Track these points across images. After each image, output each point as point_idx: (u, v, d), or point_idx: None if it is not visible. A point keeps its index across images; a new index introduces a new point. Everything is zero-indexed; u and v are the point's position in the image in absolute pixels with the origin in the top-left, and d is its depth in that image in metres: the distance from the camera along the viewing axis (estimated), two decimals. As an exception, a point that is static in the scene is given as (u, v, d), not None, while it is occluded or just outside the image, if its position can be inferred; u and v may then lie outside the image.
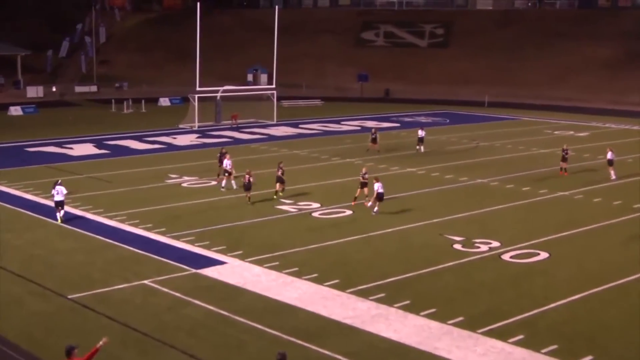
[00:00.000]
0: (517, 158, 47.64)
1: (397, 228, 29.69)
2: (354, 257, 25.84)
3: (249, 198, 33.61)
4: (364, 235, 28.49)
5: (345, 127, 63.36)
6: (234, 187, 36.32)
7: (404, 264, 24.92)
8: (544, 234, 28.76)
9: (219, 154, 39.22)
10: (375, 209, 31.53)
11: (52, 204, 30.36)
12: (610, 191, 36.95)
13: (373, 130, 50.21)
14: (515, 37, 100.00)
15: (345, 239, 27.99)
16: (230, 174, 36.40)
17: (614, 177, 39.90)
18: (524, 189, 37.56)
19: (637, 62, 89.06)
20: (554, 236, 28.66)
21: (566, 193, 36.22)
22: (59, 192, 29.75)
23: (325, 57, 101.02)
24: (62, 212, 29.94)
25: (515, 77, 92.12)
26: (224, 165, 36.72)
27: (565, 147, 42.07)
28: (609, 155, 40.92)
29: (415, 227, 30.01)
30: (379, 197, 31.60)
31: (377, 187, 31.56)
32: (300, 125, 63.51)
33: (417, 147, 48.89)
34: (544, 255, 26.18)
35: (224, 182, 36.70)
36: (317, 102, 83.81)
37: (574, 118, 70.81)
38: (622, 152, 48.73)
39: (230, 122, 62.72)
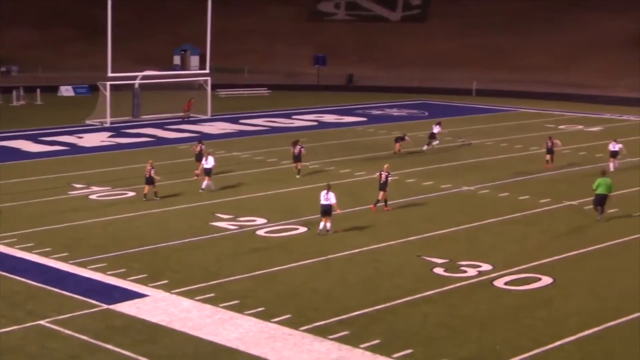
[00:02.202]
0: (513, 160, 48.13)
1: (364, 249, 29.69)
2: (310, 286, 25.77)
3: (156, 193, 36.11)
4: (323, 259, 28.44)
5: (298, 122, 63.34)
6: (213, 188, 38.02)
7: (373, 294, 24.91)
8: (546, 255, 29.03)
9: (198, 148, 42.40)
10: (328, 225, 31.46)
11: None
12: (629, 201, 37.48)
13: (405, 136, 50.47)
14: (513, 8, 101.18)
15: (299, 263, 27.90)
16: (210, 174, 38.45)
17: (612, 169, 42.93)
18: (520, 198, 37.93)
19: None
20: (559, 257, 28.93)
21: (574, 203, 36.70)
22: None
23: (273, 35, 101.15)
24: None
25: (512, 59, 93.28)
26: (206, 162, 38.49)
27: (550, 138, 45.72)
28: (612, 146, 44.61)
29: (387, 246, 30.06)
30: (324, 211, 31.40)
31: (323, 196, 31.35)
32: (241, 121, 63.36)
33: (428, 145, 50.46)
34: (547, 280, 26.41)
35: (204, 184, 38.20)
36: (263, 91, 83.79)
37: (585, 109, 71.94)
38: (638, 151, 49.58)
39: (183, 114, 62.89)
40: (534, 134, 56.81)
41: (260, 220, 33.31)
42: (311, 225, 32.45)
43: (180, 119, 63.24)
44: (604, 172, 34.97)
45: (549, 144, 45.71)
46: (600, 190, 33.50)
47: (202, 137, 51.91)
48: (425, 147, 50.44)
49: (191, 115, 63.86)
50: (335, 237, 31.03)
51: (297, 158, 42.65)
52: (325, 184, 32.71)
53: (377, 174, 35.93)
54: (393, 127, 61.12)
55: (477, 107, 73.73)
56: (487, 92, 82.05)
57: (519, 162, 47.09)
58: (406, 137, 50.01)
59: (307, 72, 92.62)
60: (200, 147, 42.78)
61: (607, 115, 68.33)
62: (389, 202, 35.56)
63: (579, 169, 43.59)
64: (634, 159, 47.50)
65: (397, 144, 49.70)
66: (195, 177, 40.51)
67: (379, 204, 35.24)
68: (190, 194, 37.73)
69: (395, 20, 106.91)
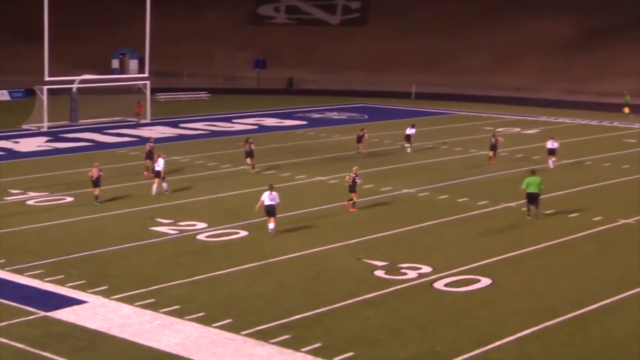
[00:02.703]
0: (453, 162, 48.57)
1: (305, 252, 29.71)
2: (251, 290, 25.71)
3: (97, 197, 36.25)
4: (264, 262, 28.40)
5: (238, 126, 63.21)
6: (166, 190, 38.36)
7: (314, 298, 24.94)
8: (485, 256, 29.33)
9: (147, 147, 42.54)
10: (272, 226, 31.53)
11: None
12: (565, 202, 38.05)
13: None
14: (451, 11, 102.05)
15: (240, 268, 27.82)
16: (163, 176, 38.46)
17: (551, 166, 45.75)
18: (459, 200, 38.27)
19: (598, 42, 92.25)
20: (497, 258, 29.27)
21: (512, 204, 37.14)
22: None
23: (212, 38, 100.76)
24: None
25: (451, 62, 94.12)
26: (156, 164, 38.55)
27: (494, 136, 48.57)
28: (550, 144, 46.77)
29: (328, 250, 30.12)
30: (268, 211, 31.61)
31: (267, 197, 31.53)
32: (181, 125, 63.03)
33: (405, 145, 51.71)
34: (486, 281, 26.68)
35: (154, 188, 38.06)
36: (203, 95, 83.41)
37: (521, 112, 72.82)
38: (577, 153, 50.44)
39: (135, 117, 62.45)
40: (472, 137, 57.40)
41: (201, 225, 33.14)
42: (252, 229, 32.38)
43: (135, 122, 62.88)
44: (533, 171, 35.54)
45: (493, 141, 47.69)
46: (530, 189, 34.29)
47: (138, 141, 51.52)
48: (409, 150, 51.40)
49: (140, 120, 63.36)
50: (276, 241, 30.99)
51: (249, 154, 43.89)
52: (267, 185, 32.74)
53: (347, 176, 36.46)
54: (334, 130, 61.30)
55: (416, 110, 74.24)
56: (426, 95, 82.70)
57: (458, 165, 47.51)
58: (365, 136, 50.87)
59: (247, 76, 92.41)
60: (150, 146, 42.95)
61: (544, 118, 69.32)
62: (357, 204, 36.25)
63: (516, 171, 44.11)
64: (570, 160, 48.29)
65: (360, 144, 50.51)
66: (146, 176, 40.93)
67: (350, 203, 35.97)
68: (130, 199, 37.42)
69: (335, 23, 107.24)
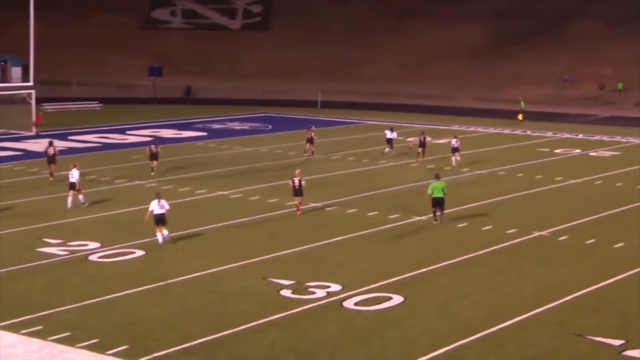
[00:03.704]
0: (361, 174, 48.93)
1: (206, 272, 29.51)
2: (149, 313, 25.42)
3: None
4: (162, 284, 28.12)
5: (132, 138, 62.60)
6: (83, 203, 38.77)
7: (216, 320, 24.79)
8: (397, 272, 29.57)
9: (51, 150, 44.50)
10: (166, 232, 31.97)
11: None
12: (479, 215, 38.69)
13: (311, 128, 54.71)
14: (356, 17, 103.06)
15: (136, 290, 27.51)
16: (79, 188, 38.79)
17: (454, 163, 50.64)
18: (369, 214, 38.57)
19: (510, 46, 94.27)
20: (410, 274, 29.54)
21: (423, 218, 37.58)
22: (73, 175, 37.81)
23: (103, 44, 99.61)
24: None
25: (357, 70, 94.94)
26: (70, 176, 38.61)
27: (422, 133, 53.27)
28: (454, 142, 51.14)
29: (231, 269, 29.99)
30: (158, 220, 32.31)
31: (156, 205, 32.30)
32: (71, 137, 62.15)
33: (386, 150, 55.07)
34: (397, 299, 26.89)
35: (69, 201, 38.33)
36: (94, 104, 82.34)
37: (431, 120, 73.86)
38: (490, 163, 51.44)
39: (34, 129, 61.55)
40: (380, 148, 57.86)
41: (93, 244, 32.65)
42: (149, 248, 32.05)
43: (35, 134, 61.94)
44: (437, 176, 37.20)
45: (422, 138, 52.30)
46: (435, 194, 36.05)
47: (24, 155, 50.66)
48: (391, 151, 54.96)
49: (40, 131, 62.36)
50: (175, 260, 30.73)
51: (153, 156, 45.94)
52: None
53: (290, 181, 38.03)
54: (235, 141, 61.18)
55: (322, 119, 74.62)
56: (333, 104, 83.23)
57: (366, 177, 47.88)
58: (312, 133, 53.83)
59: (141, 84, 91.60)
60: (52, 148, 44.56)
61: (455, 127, 70.36)
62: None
63: (426, 183, 44.57)
64: (483, 171, 49.18)
65: (308, 144, 53.79)
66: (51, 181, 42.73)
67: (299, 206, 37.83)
68: (13, 217, 36.62)
69: (236, 28, 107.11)
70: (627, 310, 25.84)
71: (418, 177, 47.08)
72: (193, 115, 75.95)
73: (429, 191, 36.17)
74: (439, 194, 35.96)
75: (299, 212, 37.94)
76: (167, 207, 32.36)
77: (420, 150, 52.25)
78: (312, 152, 54.45)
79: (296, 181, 37.59)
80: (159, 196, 32.48)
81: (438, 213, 36.38)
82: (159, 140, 50.61)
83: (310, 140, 54.32)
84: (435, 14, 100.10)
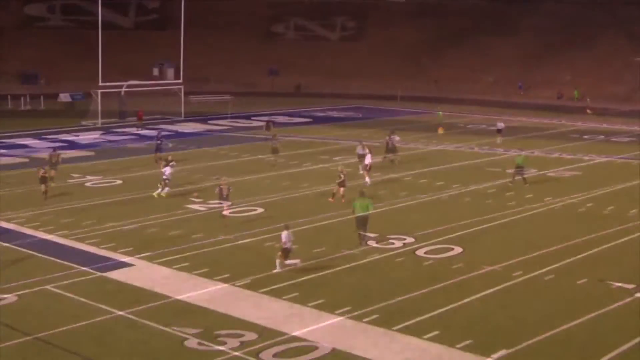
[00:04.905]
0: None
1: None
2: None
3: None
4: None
5: (255, 122, 62.81)
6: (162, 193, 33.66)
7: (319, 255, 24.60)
8: (455, 225, 29.17)
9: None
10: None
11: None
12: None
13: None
14: (430, 31, 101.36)
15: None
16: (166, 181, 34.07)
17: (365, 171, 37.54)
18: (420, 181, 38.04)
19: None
20: (466, 231, 29.12)
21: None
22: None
23: (235, 51, 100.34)
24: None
25: (428, 72, 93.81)
26: (164, 171, 34.23)
27: (390, 134, 42.47)
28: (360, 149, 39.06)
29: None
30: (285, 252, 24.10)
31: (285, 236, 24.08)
32: (210, 122, 62.99)
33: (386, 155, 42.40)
34: (458, 249, 26.66)
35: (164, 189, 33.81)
36: (227, 97, 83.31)
37: (489, 112, 72.39)
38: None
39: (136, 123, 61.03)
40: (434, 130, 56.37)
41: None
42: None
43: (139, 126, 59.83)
44: (362, 193, 28.29)
45: (387, 139, 42.09)
46: (359, 212, 27.06)
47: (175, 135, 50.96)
48: (389, 158, 42.42)
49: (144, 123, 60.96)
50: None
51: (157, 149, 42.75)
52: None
53: (217, 189, 30.27)
54: (334, 126, 60.61)
55: (401, 110, 73.54)
56: (408, 98, 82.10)
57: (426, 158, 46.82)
58: (271, 125, 52.51)
59: (263, 82, 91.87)
60: (57, 155, 37.94)
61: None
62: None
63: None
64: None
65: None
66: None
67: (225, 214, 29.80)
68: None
69: (335, 39, 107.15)
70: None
71: (343, 205, 32.01)
72: (301, 107, 76.14)
73: (353, 208, 27.43)
74: (363, 212, 26.83)
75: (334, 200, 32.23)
76: None
77: (391, 156, 41.41)
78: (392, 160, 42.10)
79: (224, 189, 29.59)
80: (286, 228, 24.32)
81: (362, 231, 26.98)
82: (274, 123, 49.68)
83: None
84: (489, 31, 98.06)
